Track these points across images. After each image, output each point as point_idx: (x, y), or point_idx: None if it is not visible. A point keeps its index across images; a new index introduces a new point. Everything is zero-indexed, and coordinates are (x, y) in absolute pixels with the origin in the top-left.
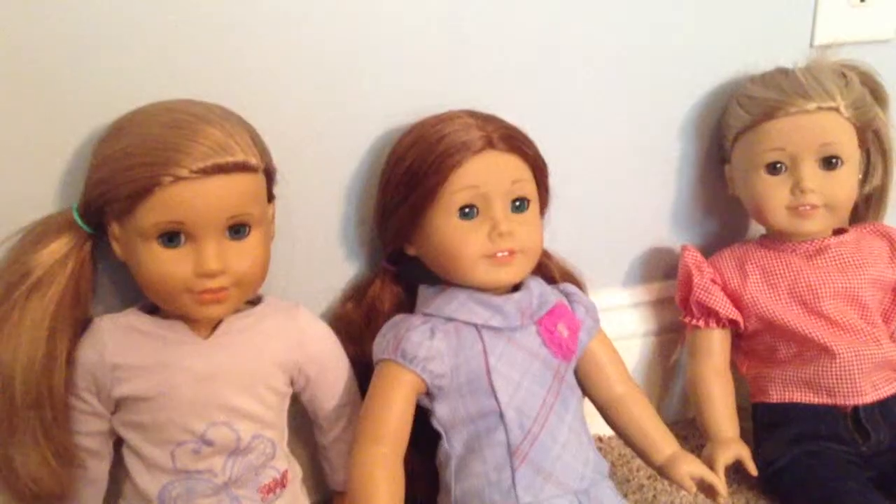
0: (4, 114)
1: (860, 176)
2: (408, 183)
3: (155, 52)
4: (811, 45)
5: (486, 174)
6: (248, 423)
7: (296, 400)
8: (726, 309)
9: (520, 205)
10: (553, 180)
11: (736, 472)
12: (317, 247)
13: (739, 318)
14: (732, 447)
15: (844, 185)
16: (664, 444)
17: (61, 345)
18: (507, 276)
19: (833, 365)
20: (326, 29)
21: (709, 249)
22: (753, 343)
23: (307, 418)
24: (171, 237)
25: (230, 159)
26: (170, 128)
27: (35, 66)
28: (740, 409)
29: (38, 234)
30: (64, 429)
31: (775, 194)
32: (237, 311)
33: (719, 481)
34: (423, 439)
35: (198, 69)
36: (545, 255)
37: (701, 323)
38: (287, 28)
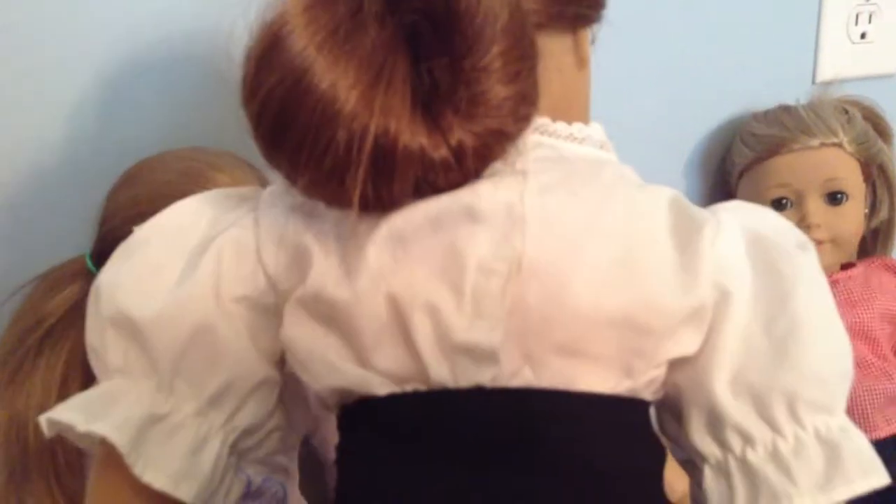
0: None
1: (867, 210)
2: None
3: None
4: (814, 82)
5: None
6: (258, 466)
7: (306, 442)
8: None
9: None
10: None
11: None
12: None
13: None
14: None
15: (850, 219)
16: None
17: (74, 391)
18: None
19: None
20: None
21: None
22: None
23: (318, 461)
24: None
25: None
26: (180, 175)
27: None
28: None
29: (52, 281)
30: (76, 475)
31: None
32: None
33: None
34: None
35: None
36: None
37: None
38: None
